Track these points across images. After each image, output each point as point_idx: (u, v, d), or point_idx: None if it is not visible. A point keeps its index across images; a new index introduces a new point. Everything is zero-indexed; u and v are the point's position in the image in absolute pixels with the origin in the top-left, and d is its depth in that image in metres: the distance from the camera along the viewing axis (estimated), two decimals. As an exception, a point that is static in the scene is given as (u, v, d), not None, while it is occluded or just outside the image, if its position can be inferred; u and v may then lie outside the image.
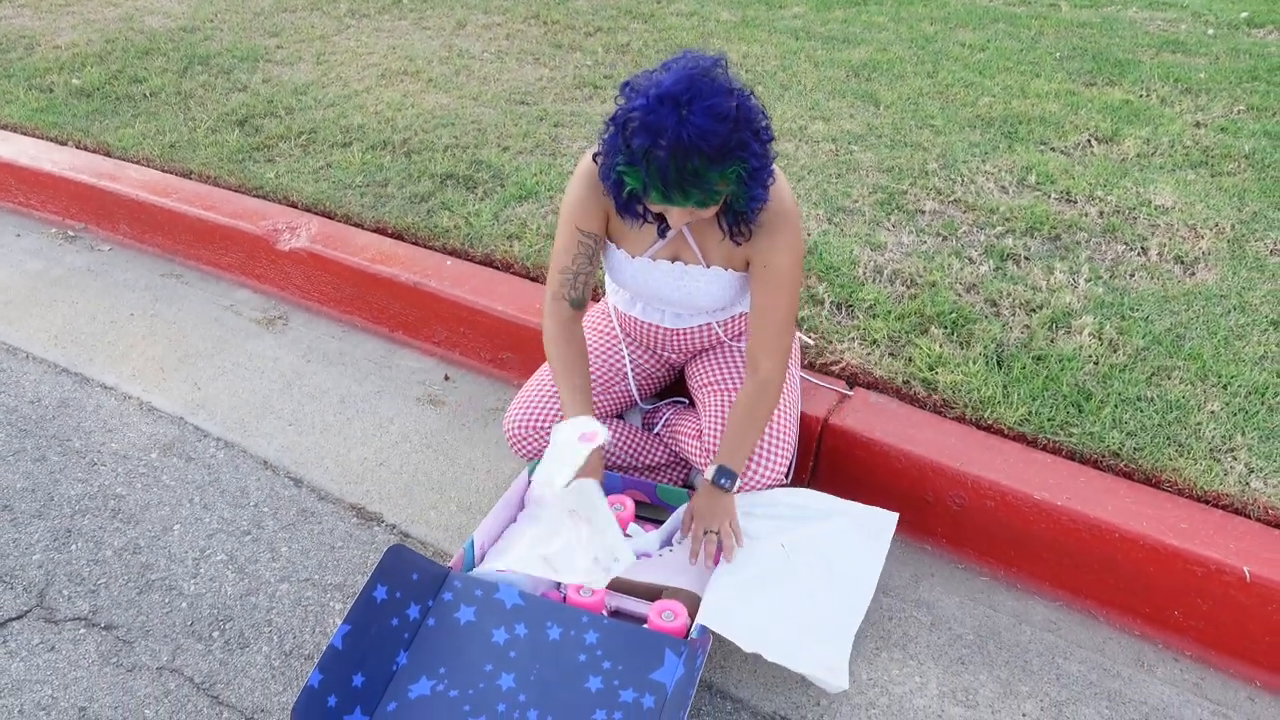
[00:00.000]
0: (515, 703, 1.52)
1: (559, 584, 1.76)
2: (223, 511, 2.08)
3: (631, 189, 1.58)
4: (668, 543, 1.84)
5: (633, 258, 1.84)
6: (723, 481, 1.76)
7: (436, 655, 1.59)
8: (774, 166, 1.65)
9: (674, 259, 1.83)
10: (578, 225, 1.80)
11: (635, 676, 1.53)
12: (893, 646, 1.82)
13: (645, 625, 1.66)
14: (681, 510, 1.85)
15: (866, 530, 1.87)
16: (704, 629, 1.59)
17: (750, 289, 1.80)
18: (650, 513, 2.03)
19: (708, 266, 1.81)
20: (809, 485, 2.16)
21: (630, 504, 1.91)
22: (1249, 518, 1.85)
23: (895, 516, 1.90)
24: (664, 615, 1.65)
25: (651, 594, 1.72)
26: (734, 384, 1.97)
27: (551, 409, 1.98)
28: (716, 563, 1.75)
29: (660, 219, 1.70)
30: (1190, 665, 1.79)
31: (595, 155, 1.65)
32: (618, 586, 1.74)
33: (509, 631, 1.60)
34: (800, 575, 1.76)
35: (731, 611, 1.63)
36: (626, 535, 1.85)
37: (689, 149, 1.45)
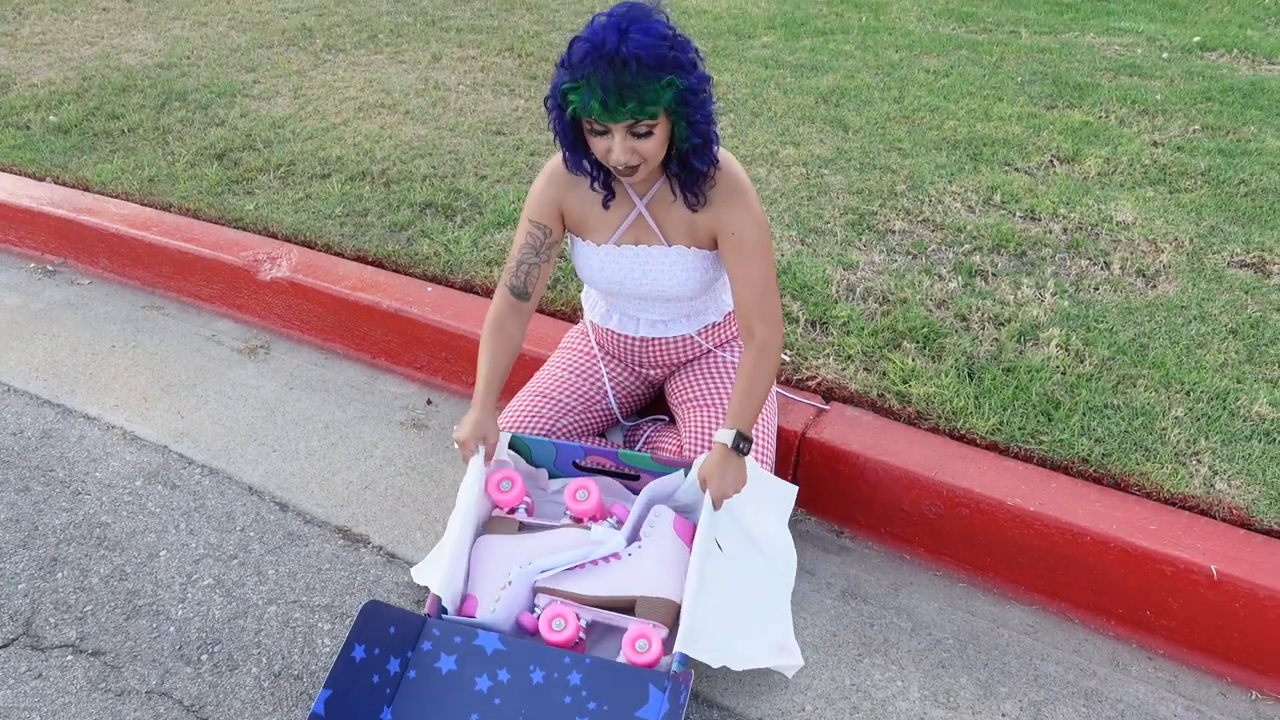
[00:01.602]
0: None
1: (534, 608, 1.77)
2: (209, 537, 2.09)
3: (575, 108, 1.63)
4: (635, 537, 1.84)
5: (598, 246, 1.90)
6: (741, 446, 1.79)
7: (420, 708, 1.59)
8: (720, 149, 1.76)
9: (637, 243, 1.88)
10: (529, 217, 1.91)
11: (621, 715, 1.54)
12: (874, 652, 1.85)
13: (621, 656, 1.67)
14: (644, 496, 1.85)
15: (772, 497, 1.92)
16: (685, 659, 1.60)
17: (725, 265, 1.86)
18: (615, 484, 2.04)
19: (669, 246, 1.86)
20: (789, 498, 2.20)
21: (595, 492, 1.88)
22: (1215, 518, 1.91)
23: (795, 490, 1.95)
24: (638, 645, 1.65)
25: (626, 606, 1.73)
26: (713, 399, 2.01)
27: (531, 428, 2.02)
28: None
29: (606, 185, 1.79)
30: (1164, 663, 1.84)
31: (545, 100, 1.72)
32: (589, 601, 1.75)
33: (492, 678, 1.60)
34: (738, 570, 1.80)
35: (700, 635, 1.65)
36: (584, 528, 1.85)
37: (627, 57, 1.55)
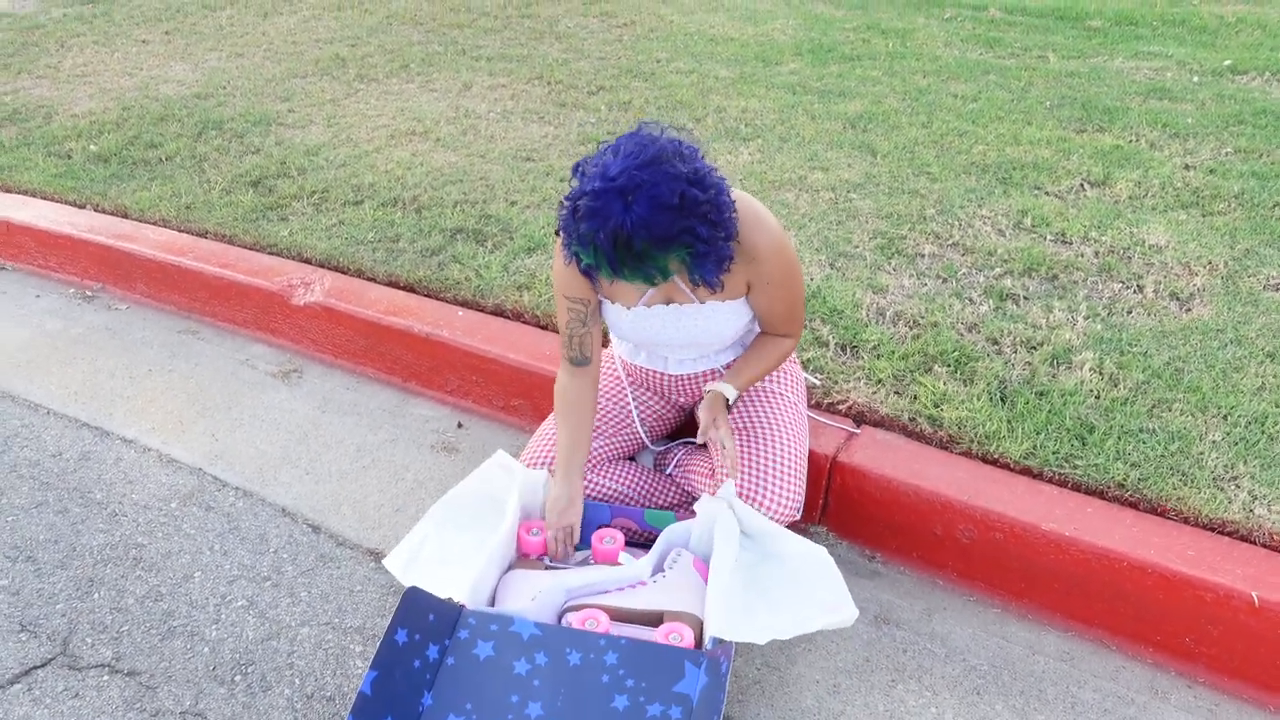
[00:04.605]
0: None
1: (560, 618, 1.78)
2: (243, 558, 2.11)
3: (587, 265, 1.65)
4: (659, 568, 1.86)
5: (629, 308, 1.89)
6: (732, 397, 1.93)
7: (461, 692, 1.61)
8: (733, 197, 1.67)
9: (668, 302, 1.88)
10: (564, 295, 1.89)
11: (659, 691, 1.56)
12: (908, 678, 1.83)
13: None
14: (662, 540, 1.87)
15: (731, 515, 1.88)
16: (717, 640, 1.62)
17: (755, 299, 1.86)
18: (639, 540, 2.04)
19: (702, 304, 1.86)
20: (820, 522, 2.19)
21: (620, 536, 1.94)
22: (1255, 544, 1.88)
23: (727, 489, 1.89)
24: (670, 638, 1.68)
25: (653, 620, 1.74)
26: (745, 424, 2.01)
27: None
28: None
29: None
30: (1204, 692, 1.81)
31: (556, 230, 1.71)
32: (618, 616, 1.76)
33: (530, 661, 1.62)
34: (763, 566, 1.81)
35: (735, 620, 1.66)
36: (617, 564, 1.87)
37: (631, 236, 1.52)
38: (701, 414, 1.90)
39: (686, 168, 1.56)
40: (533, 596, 1.77)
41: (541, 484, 1.95)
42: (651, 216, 1.51)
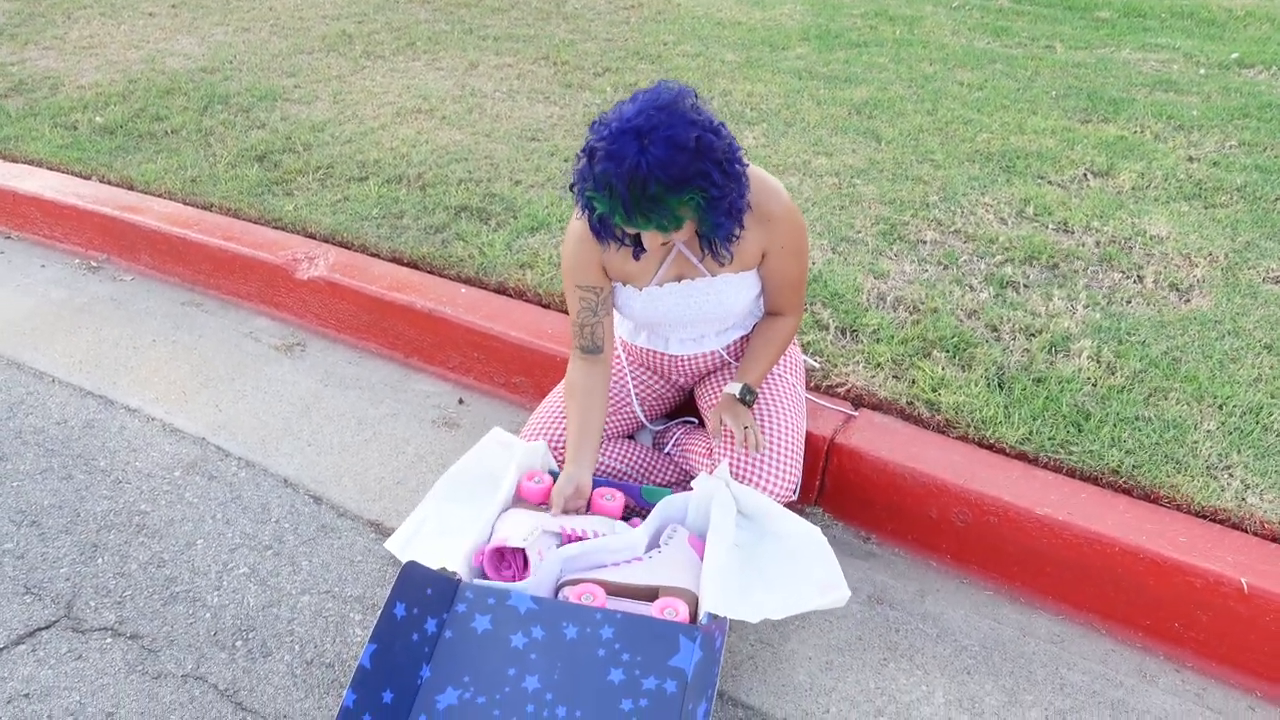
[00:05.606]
0: (543, 702, 1.56)
1: (557, 592, 1.80)
2: (245, 527, 2.13)
3: (601, 213, 1.66)
4: (654, 544, 1.88)
5: (640, 290, 1.91)
6: (746, 397, 1.93)
7: (459, 665, 1.63)
8: (747, 169, 1.70)
9: (679, 278, 1.90)
10: (576, 284, 1.89)
11: (655, 664, 1.58)
12: (900, 657, 1.86)
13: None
14: (657, 514, 1.89)
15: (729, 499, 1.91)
16: (712, 616, 1.64)
17: (766, 269, 1.88)
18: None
19: (713, 277, 1.88)
20: (816, 503, 2.22)
21: (620, 495, 1.94)
22: (1246, 532, 1.90)
23: (723, 469, 1.92)
24: (666, 613, 1.70)
25: (649, 595, 1.77)
26: (743, 402, 2.03)
27: (560, 431, 2.04)
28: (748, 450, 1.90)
29: (636, 240, 1.77)
30: (1192, 676, 1.83)
31: (571, 185, 1.72)
32: (614, 592, 1.78)
33: (526, 635, 1.65)
34: (757, 548, 1.83)
35: (730, 597, 1.68)
36: (618, 519, 1.89)
37: (646, 177, 1.53)
38: (723, 417, 1.91)
39: (701, 116, 1.59)
40: (530, 531, 1.78)
41: (541, 454, 1.97)
42: (668, 157, 1.52)
